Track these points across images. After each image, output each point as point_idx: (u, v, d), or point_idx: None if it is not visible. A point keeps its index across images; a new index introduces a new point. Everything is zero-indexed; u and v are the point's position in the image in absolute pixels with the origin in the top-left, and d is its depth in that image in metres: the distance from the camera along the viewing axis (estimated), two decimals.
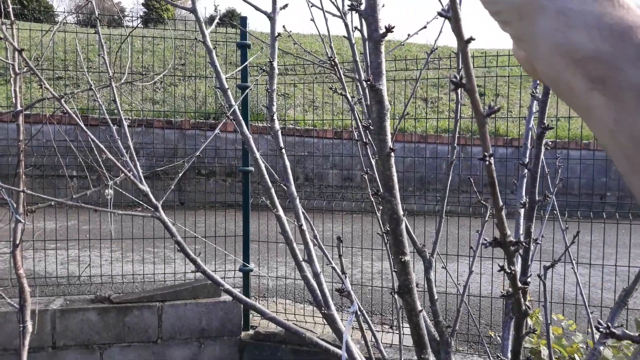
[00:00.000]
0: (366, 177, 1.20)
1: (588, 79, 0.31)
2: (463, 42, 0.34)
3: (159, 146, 6.07)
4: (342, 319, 1.31)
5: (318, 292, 1.27)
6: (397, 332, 1.39)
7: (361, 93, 1.48)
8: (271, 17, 1.37)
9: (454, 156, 1.46)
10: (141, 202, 1.47)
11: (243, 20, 3.47)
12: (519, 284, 0.54)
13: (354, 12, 0.83)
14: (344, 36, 1.52)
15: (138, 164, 1.46)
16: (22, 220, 1.98)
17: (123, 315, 3.15)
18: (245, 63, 3.18)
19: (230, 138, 6.31)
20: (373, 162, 1.22)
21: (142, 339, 3.18)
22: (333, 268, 1.27)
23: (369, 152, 1.20)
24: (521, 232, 1.17)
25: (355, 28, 1.48)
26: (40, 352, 3.05)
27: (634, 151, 0.30)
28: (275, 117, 1.36)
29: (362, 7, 0.78)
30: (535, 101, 1.25)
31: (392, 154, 0.80)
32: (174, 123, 7.03)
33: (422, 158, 5.61)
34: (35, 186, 5.11)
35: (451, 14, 0.33)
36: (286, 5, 1.46)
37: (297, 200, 1.32)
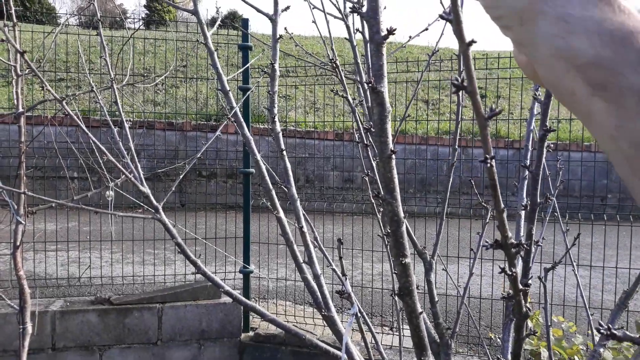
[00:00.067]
0: (367, 179, 1.20)
1: (589, 84, 0.31)
2: (464, 45, 0.34)
3: (160, 148, 6.07)
4: (342, 321, 1.31)
5: (318, 293, 1.27)
6: (397, 333, 1.39)
7: (362, 95, 1.48)
8: (273, 19, 1.38)
9: (454, 158, 1.46)
10: (142, 204, 1.47)
11: (245, 22, 3.47)
12: (520, 286, 0.54)
13: (355, 14, 0.83)
14: (345, 38, 1.53)
15: (139, 165, 1.47)
16: (23, 222, 1.98)
17: (123, 316, 3.15)
18: (247, 65, 3.18)
19: (231, 140, 6.31)
20: (374, 164, 1.22)
21: (142, 341, 3.17)
22: (333, 270, 1.27)
23: (369, 154, 1.20)
24: (522, 234, 1.17)
25: (357, 30, 1.48)
26: (40, 353, 3.05)
27: (635, 156, 0.30)
28: (276, 119, 1.37)
29: (364, 9, 0.78)
30: (537, 103, 1.25)
31: (393, 156, 0.80)
32: (175, 125, 7.04)
33: (423, 160, 5.61)
34: (36, 187, 5.11)
35: (452, 17, 0.33)
36: (288, 7, 1.46)
37: (298, 202, 1.32)
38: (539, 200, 1.02)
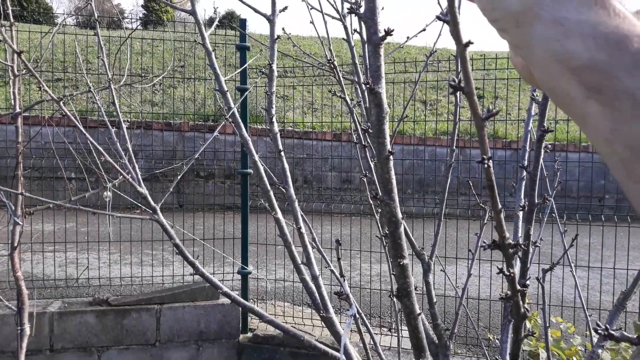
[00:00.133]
0: (365, 179, 1.20)
1: (584, 87, 0.31)
2: (461, 46, 0.34)
3: (157, 148, 6.07)
4: (340, 322, 1.31)
5: (317, 295, 1.27)
6: (396, 335, 1.39)
7: (360, 96, 1.48)
8: (270, 20, 1.38)
9: (452, 159, 1.46)
10: (140, 205, 1.46)
11: (242, 23, 3.47)
12: (518, 287, 0.54)
13: (353, 15, 0.83)
14: (343, 38, 1.53)
15: (137, 166, 1.46)
16: (20, 223, 1.97)
17: (121, 317, 3.14)
18: (245, 65, 3.18)
19: (229, 140, 6.31)
20: (372, 165, 1.22)
21: (141, 342, 3.17)
22: (332, 271, 1.27)
23: (367, 154, 1.20)
24: (520, 234, 1.17)
25: (355, 31, 1.48)
26: (38, 355, 3.04)
27: (630, 159, 0.30)
28: (274, 119, 1.37)
29: (362, 10, 0.78)
30: (534, 104, 1.25)
31: (391, 157, 0.80)
32: (173, 125, 7.03)
33: (421, 160, 5.61)
34: (34, 188, 5.10)
35: (449, 18, 0.33)
36: (286, 8, 1.46)
37: (296, 203, 1.32)
38: (536, 201, 1.02)
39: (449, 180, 1.50)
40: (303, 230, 1.30)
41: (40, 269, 3.51)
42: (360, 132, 1.26)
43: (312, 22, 1.59)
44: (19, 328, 1.98)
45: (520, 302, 0.58)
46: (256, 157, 1.37)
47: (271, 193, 1.38)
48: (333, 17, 1.56)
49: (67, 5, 24.61)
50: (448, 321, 3.26)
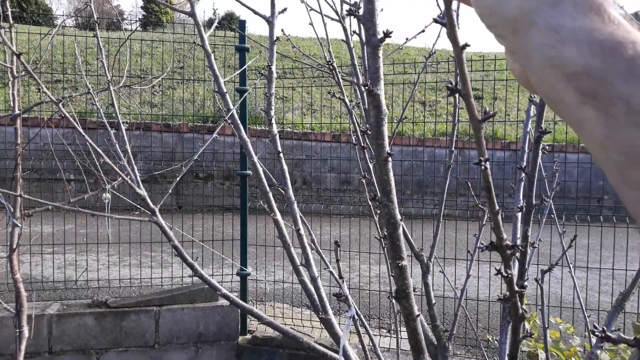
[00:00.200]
0: (364, 181, 1.20)
1: (579, 93, 0.32)
2: (458, 48, 0.34)
3: (157, 150, 6.06)
4: (339, 323, 1.31)
5: (315, 296, 1.27)
6: (395, 336, 1.39)
7: (359, 97, 1.49)
8: (270, 21, 1.38)
9: (451, 160, 1.46)
10: (139, 206, 1.46)
11: (242, 24, 3.47)
12: (516, 288, 0.54)
13: (352, 17, 0.84)
14: (342, 40, 1.53)
15: (135, 167, 1.46)
16: (19, 225, 1.97)
17: (120, 319, 3.14)
18: (244, 67, 3.19)
19: (229, 141, 6.31)
20: (371, 166, 1.22)
21: (139, 344, 3.16)
22: (331, 272, 1.27)
23: (366, 156, 1.20)
24: (519, 235, 1.17)
25: (354, 32, 1.48)
26: (36, 357, 3.03)
27: (625, 165, 0.30)
28: (273, 121, 1.37)
29: (360, 11, 0.78)
30: (532, 105, 1.25)
31: (390, 158, 0.80)
32: (172, 126, 7.03)
33: (420, 161, 5.62)
34: (33, 190, 5.10)
35: (446, 21, 0.33)
36: (285, 9, 1.46)
37: (295, 205, 1.32)
38: (534, 202, 1.02)
39: (447, 181, 1.50)
40: (302, 231, 1.30)
41: (39, 270, 3.50)
42: (359, 134, 1.26)
43: (311, 24, 1.59)
44: (17, 330, 1.98)
45: (518, 303, 0.58)
46: (255, 159, 1.37)
47: (270, 194, 1.38)
48: (332, 19, 1.56)
49: (67, 6, 24.63)
50: (447, 322, 3.26)
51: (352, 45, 1.48)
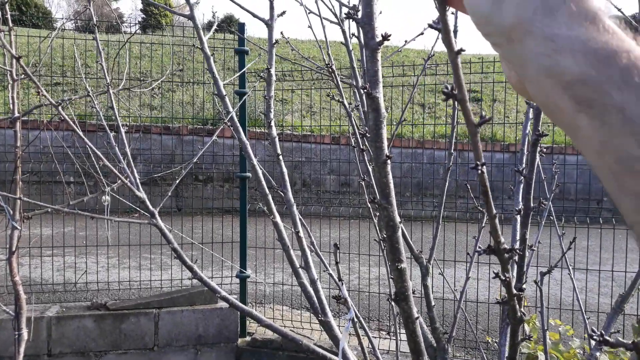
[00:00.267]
0: (363, 183, 1.20)
1: (575, 101, 0.32)
2: (454, 54, 0.34)
3: (156, 152, 6.06)
4: (339, 326, 1.31)
5: (315, 299, 1.27)
6: (394, 338, 1.39)
7: (358, 99, 1.49)
8: (269, 24, 1.38)
9: (451, 162, 1.47)
10: (138, 209, 1.47)
11: (241, 27, 3.48)
12: (514, 291, 0.54)
13: (350, 20, 0.84)
14: (341, 42, 1.53)
15: (135, 170, 1.47)
16: (19, 227, 1.97)
17: (119, 322, 3.13)
18: (243, 69, 3.19)
19: (228, 144, 6.31)
20: (370, 169, 1.22)
21: (139, 346, 3.16)
22: (330, 275, 1.27)
23: (366, 158, 1.21)
24: (517, 238, 1.17)
25: (353, 35, 1.49)
26: (35, 359, 3.03)
27: (620, 172, 0.31)
28: (272, 123, 1.37)
29: (359, 14, 0.78)
30: (531, 108, 1.25)
31: (389, 161, 0.80)
32: (171, 129, 7.03)
33: (419, 163, 5.62)
34: (32, 192, 5.09)
35: (441, 26, 0.34)
36: (284, 12, 1.46)
37: (294, 207, 1.32)
38: (532, 205, 1.03)
39: (447, 183, 1.50)
40: (301, 234, 1.30)
41: (39, 273, 3.50)
42: (358, 136, 1.27)
43: (310, 27, 1.59)
44: (16, 333, 1.97)
45: (517, 306, 0.58)
46: (255, 161, 1.37)
47: (269, 197, 1.38)
48: (331, 22, 1.57)
49: (66, 9, 24.66)
50: (447, 324, 3.26)
51: (351, 48, 1.48)
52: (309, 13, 1.57)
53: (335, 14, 1.55)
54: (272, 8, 1.39)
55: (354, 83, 1.47)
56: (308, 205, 6.29)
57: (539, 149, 1.01)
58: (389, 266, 0.91)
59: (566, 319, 3.10)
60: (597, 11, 0.33)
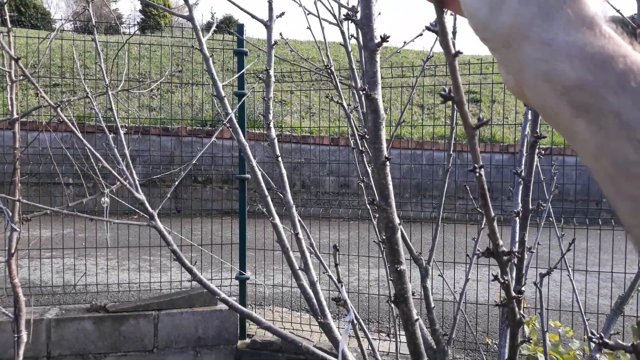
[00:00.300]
0: (362, 184, 1.20)
1: (572, 106, 0.32)
2: (451, 56, 0.34)
3: (155, 153, 6.06)
4: (338, 327, 1.31)
5: (314, 300, 1.27)
6: (394, 340, 1.39)
7: (357, 101, 1.49)
8: (267, 25, 1.38)
9: (450, 163, 1.47)
10: (137, 210, 1.46)
11: (240, 28, 3.48)
12: (513, 293, 0.54)
13: (349, 21, 0.84)
14: (340, 43, 1.53)
15: (134, 172, 1.46)
16: (18, 229, 1.97)
17: (119, 324, 3.13)
18: (242, 71, 3.19)
19: (227, 145, 6.31)
20: (369, 170, 1.22)
21: (138, 348, 3.15)
22: (330, 276, 1.27)
23: (365, 159, 1.21)
24: (517, 240, 1.17)
25: (352, 36, 1.49)
26: None
27: (617, 176, 0.31)
28: (271, 125, 1.37)
29: (358, 16, 0.78)
30: (529, 109, 1.25)
31: (388, 162, 0.80)
32: (170, 130, 7.03)
33: (418, 165, 5.62)
34: (31, 194, 5.09)
35: (438, 29, 0.34)
36: (283, 14, 1.46)
37: (294, 209, 1.32)
38: (530, 207, 1.03)
39: (446, 184, 1.50)
40: (301, 235, 1.30)
41: (38, 275, 3.49)
42: (357, 138, 1.26)
43: (309, 28, 1.59)
44: (15, 335, 1.97)
45: (516, 309, 0.58)
46: (254, 162, 1.37)
47: (269, 198, 1.38)
48: (330, 23, 1.57)
49: (65, 10, 24.68)
50: (446, 326, 3.26)
51: (350, 49, 1.48)
52: (308, 14, 1.57)
53: (334, 15, 1.55)
54: (271, 9, 1.39)
55: (353, 84, 1.47)
56: (307, 207, 6.29)
57: (537, 150, 1.01)
58: (388, 268, 0.91)
59: (566, 321, 3.10)
60: (594, 16, 0.33)
